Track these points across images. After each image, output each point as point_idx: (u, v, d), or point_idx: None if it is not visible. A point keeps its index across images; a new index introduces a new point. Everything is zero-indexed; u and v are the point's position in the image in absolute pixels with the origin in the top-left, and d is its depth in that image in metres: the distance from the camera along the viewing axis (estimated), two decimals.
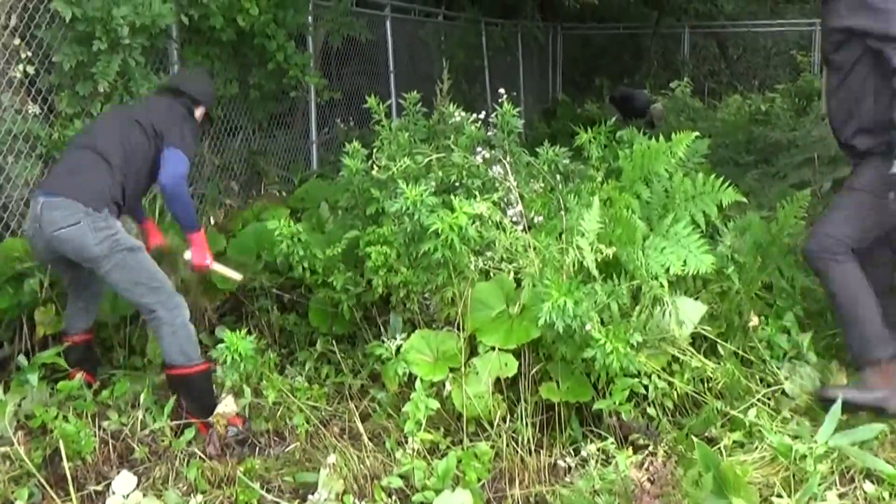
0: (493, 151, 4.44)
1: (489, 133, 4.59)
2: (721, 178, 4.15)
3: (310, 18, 7.86)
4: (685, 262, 3.71)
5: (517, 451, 3.47)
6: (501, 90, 4.69)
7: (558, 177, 4.59)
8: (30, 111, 4.88)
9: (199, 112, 4.42)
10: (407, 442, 3.44)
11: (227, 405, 4.03)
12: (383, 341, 3.76)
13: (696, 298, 3.90)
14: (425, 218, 3.87)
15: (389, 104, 4.93)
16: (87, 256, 3.79)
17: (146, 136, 4.06)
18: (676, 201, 4.17)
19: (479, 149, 4.41)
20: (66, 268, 4.05)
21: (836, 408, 3.20)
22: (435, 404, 3.28)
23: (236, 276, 4.46)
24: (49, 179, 4.01)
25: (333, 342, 4.54)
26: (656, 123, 11.52)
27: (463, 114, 4.70)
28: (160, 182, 3.98)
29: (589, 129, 4.64)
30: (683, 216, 4.04)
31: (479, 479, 3.21)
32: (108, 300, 4.51)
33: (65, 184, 3.87)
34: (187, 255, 4.24)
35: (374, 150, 4.57)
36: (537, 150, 4.60)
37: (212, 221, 6.06)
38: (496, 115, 4.53)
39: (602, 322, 3.53)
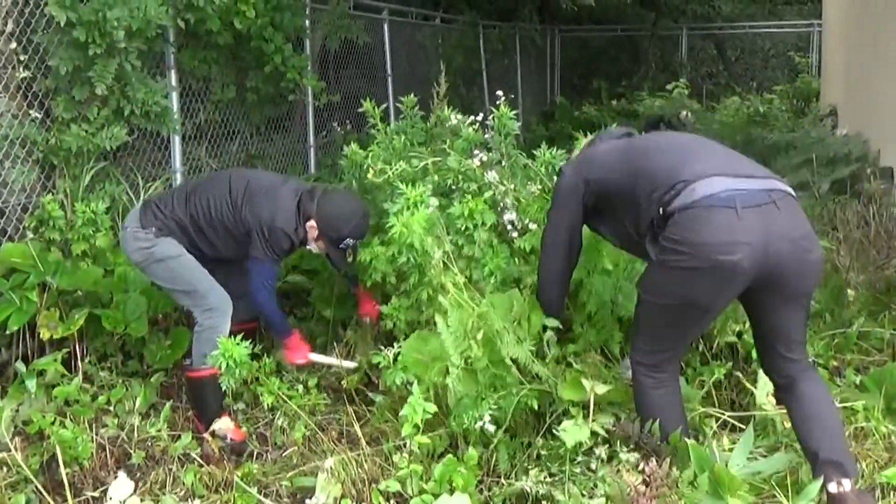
0: (490, 154, 4.43)
1: (486, 136, 4.58)
2: None
3: (307, 21, 7.85)
4: None
5: (514, 454, 3.46)
6: (499, 92, 4.68)
7: (556, 179, 4.58)
8: (27, 116, 4.87)
9: (310, 225, 4.02)
10: (405, 446, 3.43)
11: (222, 423, 4.02)
12: (380, 349, 3.75)
13: None
14: None
15: (386, 107, 4.89)
16: (128, 256, 4.16)
17: (237, 222, 4.00)
18: None
19: (476, 152, 4.41)
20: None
21: (749, 433, 3.15)
22: (432, 408, 3.27)
23: (348, 364, 4.35)
24: None
25: (334, 344, 4.55)
26: (681, 128, 11.50)
27: (460, 116, 4.69)
28: (252, 300, 4.06)
29: (587, 133, 4.64)
30: None
31: (469, 486, 3.19)
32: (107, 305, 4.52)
33: (159, 195, 4.37)
34: (278, 355, 4.22)
35: (369, 155, 4.57)
36: (535, 152, 4.60)
37: None
38: (493, 118, 4.52)
39: None
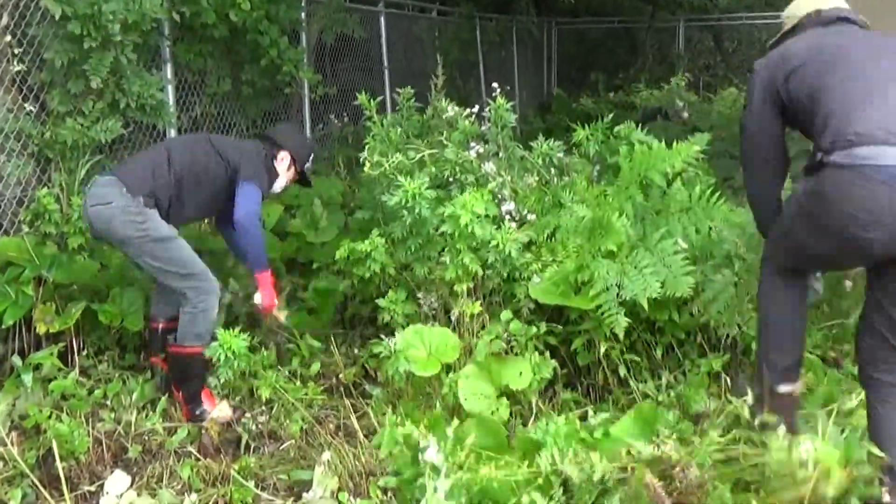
0: (486, 146, 4.43)
1: (483, 128, 4.57)
2: (718, 192, 4.13)
3: (303, 14, 7.82)
4: (663, 283, 3.73)
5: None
6: (495, 84, 4.67)
7: (553, 171, 4.58)
8: (21, 109, 4.85)
9: (281, 157, 4.45)
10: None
11: (221, 409, 4.03)
12: (381, 338, 3.75)
13: None
14: (426, 210, 3.93)
15: (383, 100, 4.90)
16: (113, 236, 3.97)
17: (221, 164, 4.20)
18: (671, 211, 4.17)
19: (473, 144, 4.40)
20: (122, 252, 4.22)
21: None
22: None
23: (283, 319, 4.49)
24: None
25: (331, 337, 4.55)
26: (677, 120, 11.58)
27: (457, 108, 4.68)
28: (234, 216, 4.05)
29: (584, 125, 4.64)
30: (676, 230, 4.05)
31: None
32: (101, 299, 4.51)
33: (121, 167, 4.19)
34: (257, 297, 4.29)
35: (366, 148, 4.56)
36: (532, 144, 4.59)
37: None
38: (489, 110, 4.51)
39: None
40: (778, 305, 3.16)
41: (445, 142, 4.43)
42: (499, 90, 4.57)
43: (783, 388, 3.09)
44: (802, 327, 3.19)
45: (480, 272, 4.00)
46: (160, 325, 4.30)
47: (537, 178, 4.44)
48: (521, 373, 3.64)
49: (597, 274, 3.87)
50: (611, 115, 4.78)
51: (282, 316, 4.48)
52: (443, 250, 4.08)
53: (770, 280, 3.17)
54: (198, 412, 4.06)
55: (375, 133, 4.65)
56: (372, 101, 4.76)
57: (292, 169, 4.50)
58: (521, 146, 4.63)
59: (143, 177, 4.03)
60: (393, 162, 4.27)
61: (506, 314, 3.96)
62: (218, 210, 4.39)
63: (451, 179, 4.33)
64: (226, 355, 3.53)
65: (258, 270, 4.22)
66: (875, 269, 2.92)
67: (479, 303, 3.98)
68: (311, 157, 4.64)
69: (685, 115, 11.83)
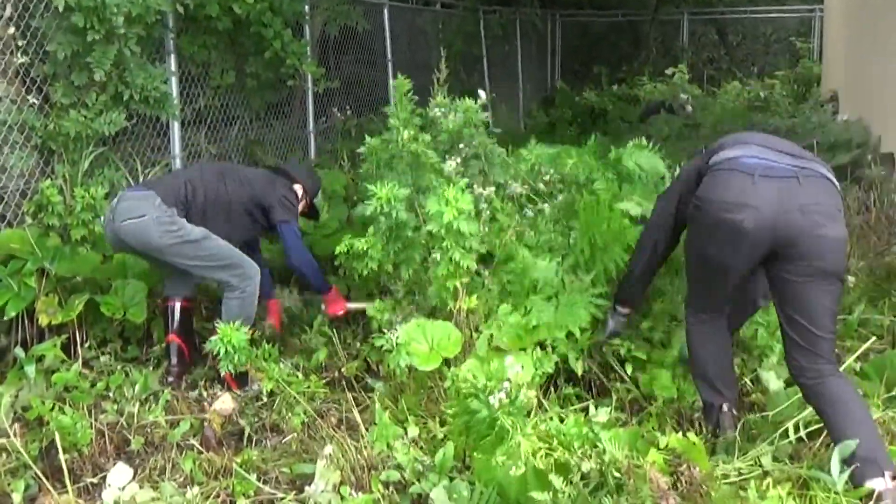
0: (463, 155, 4.47)
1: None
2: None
3: (306, 7, 7.81)
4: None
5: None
6: (481, 92, 4.70)
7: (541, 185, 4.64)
8: (25, 101, 4.85)
9: (296, 189, 4.70)
10: (407, 433, 3.44)
11: (224, 402, 4.04)
12: (383, 332, 3.76)
13: None
14: (402, 214, 3.97)
15: (386, 93, 4.91)
16: (151, 246, 4.12)
17: (246, 196, 4.46)
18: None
19: (461, 145, 4.45)
20: (150, 260, 4.40)
21: None
22: None
23: (368, 305, 4.52)
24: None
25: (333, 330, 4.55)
26: (681, 113, 11.63)
27: (442, 110, 4.67)
28: (289, 262, 4.49)
29: (588, 119, 4.64)
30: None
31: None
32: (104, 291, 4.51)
33: (154, 182, 4.44)
34: (323, 306, 4.69)
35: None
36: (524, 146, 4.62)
37: None
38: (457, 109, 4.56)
39: None
40: (702, 344, 3.48)
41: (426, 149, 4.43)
42: (483, 97, 4.62)
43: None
44: (729, 361, 3.55)
45: (473, 266, 4.00)
46: (177, 303, 4.46)
47: (526, 188, 4.48)
48: (522, 367, 3.64)
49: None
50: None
51: (360, 305, 4.63)
52: (429, 252, 4.07)
53: (693, 323, 3.49)
54: (247, 389, 4.28)
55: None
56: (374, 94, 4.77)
57: (304, 201, 4.77)
58: (514, 148, 4.65)
59: (171, 185, 4.29)
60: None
61: (504, 308, 3.96)
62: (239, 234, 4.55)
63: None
64: (226, 349, 3.53)
65: (324, 293, 4.63)
66: (767, 273, 3.22)
67: (474, 297, 3.98)
68: (319, 192, 5.03)
69: (689, 108, 11.86)
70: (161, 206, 4.12)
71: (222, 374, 4.12)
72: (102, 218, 4.49)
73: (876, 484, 2.79)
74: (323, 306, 4.69)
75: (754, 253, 3.10)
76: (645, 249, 3.76)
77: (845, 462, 2.82)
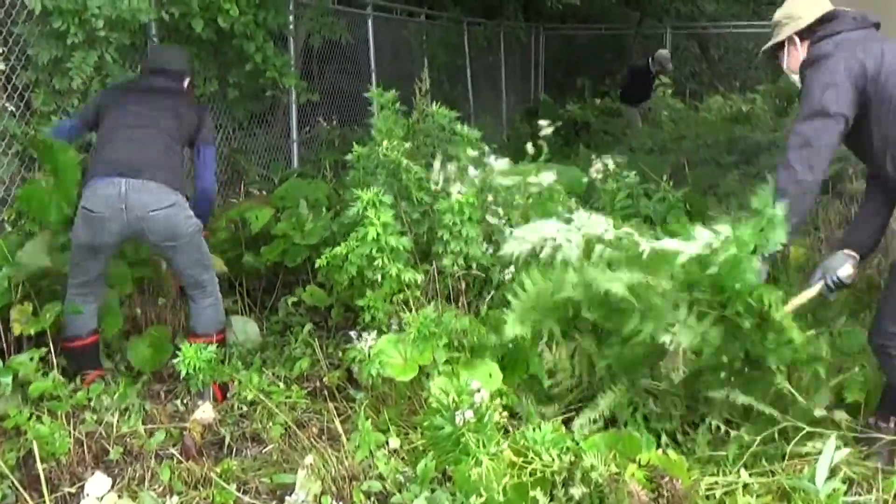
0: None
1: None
2: None
3: (290, 17, 7.79)
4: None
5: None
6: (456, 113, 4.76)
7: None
8: (5, 109, 4.82)
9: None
10: (388, 443, 3.43)
11: (204, 411, 4.01)
12: (359, 334, 3.77)
13: None
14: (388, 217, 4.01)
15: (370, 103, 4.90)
16: (175, 235, 4.06)
17: (182, 125, 4.40)
18: None
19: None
20: (105, 259, 4.18)
21: None
22: None
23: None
24: (122, 159, 4.10)
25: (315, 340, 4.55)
26: (665, 68, 12.43)
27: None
28: (204, 184, 4.40)
29: (571, 131, 4.68)
30: None
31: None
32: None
33: (149, 165, 4.08)
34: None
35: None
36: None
37: None
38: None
39: None
40: None
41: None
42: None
43: None
44: None
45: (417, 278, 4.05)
46: (90, 341, 4.33)
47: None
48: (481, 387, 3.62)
49: None
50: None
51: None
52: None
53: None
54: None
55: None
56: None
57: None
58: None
59: (178, 172, 4.26)
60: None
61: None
62: None
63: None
64: (187, 371, 3.47)
65: (205, 224, 4.48)
66: None
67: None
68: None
69: (669, 66, 12.68)
70: (177, 191, 4.11)
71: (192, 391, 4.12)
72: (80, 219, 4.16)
73: None
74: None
75: None
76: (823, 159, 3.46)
77: None
